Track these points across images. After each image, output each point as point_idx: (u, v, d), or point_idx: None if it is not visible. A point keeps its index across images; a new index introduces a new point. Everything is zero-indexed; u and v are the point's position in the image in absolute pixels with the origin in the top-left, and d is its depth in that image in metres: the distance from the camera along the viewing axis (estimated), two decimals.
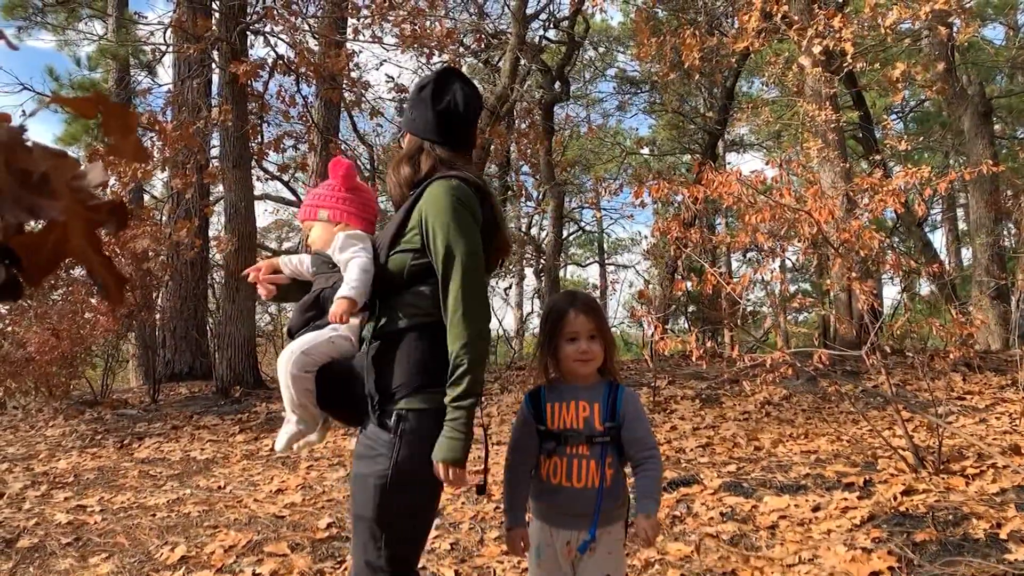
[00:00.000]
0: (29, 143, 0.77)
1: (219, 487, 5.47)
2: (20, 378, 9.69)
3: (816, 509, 4.04)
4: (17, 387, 9.94)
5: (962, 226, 20.98)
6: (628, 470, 2.21)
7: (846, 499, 4.10)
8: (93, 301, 9.71)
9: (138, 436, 7.53)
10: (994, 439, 5.18)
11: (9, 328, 10.20)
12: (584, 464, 2.09)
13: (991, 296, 10.67)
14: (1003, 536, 3.39)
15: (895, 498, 4.02)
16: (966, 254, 20.10)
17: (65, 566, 3.95)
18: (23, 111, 7.38)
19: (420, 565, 2.07)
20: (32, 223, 0.76)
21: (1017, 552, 3.21)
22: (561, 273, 20.65)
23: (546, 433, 2.14)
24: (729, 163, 21.31)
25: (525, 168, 19.66)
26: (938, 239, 22.95)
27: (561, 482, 2.10)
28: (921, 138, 15.79)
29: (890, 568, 3.19)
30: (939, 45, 10.65)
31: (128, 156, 0.83)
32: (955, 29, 9.63)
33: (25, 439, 7.70)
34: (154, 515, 4.78)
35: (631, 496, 2.20)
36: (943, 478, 4.31)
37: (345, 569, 3.60)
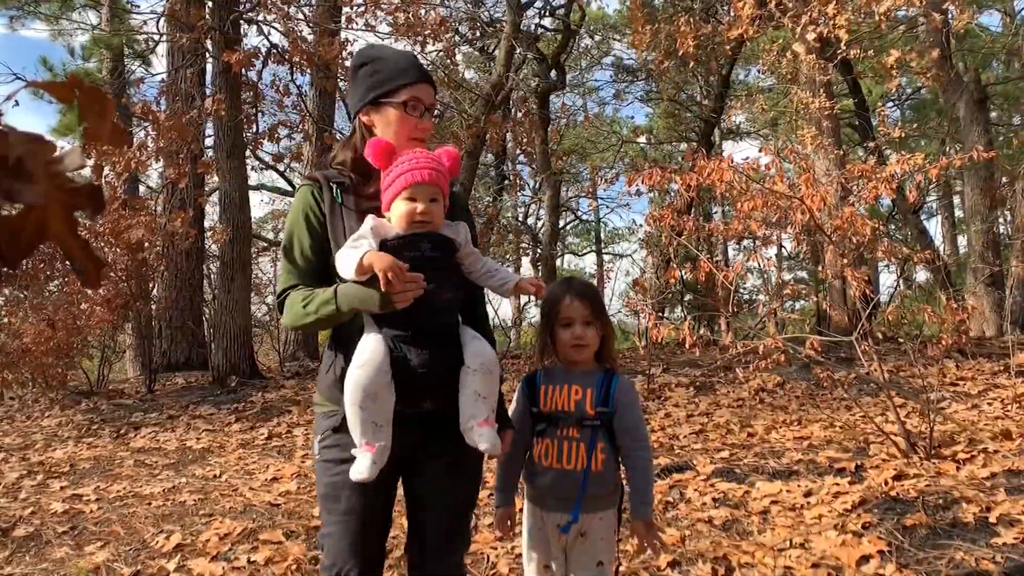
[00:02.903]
0: (3, 128, 0.78)
1: (215, 476, 5.49)
2: (16, 369, 9.70)
3: (808, 494, 4.06)
4: (13, 378, 9.94)
5: (958, 213, 21.02)
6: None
7: (838, 484, 4.13)
8: (89, 292, 9.72)
9: (134, 426, 7.55)
10: (985, 424, 5.21)
11: (5, 319, 10.21)
12: (574, 447, 2.11)
13: (986, 283, 10.70)
14: (992, 520, 3.42)
15: (886, 483, 4.05)
16: (962, 241, 20.14)
17: (61, 555, 3.97)
18: (16, 101, 7.34)
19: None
20: (9, 207, 0.77)
21: (1006, 535, 3.24)
22: (558, 263, 20.65)
23: (538, 415, 2.17)
24: (725, 151, 21.30)
25: (521, 158, 19.67)
26: (934, 226, 23.01)
27: (551, 464, 2.13)
28: (916, 126, 15.78)
29: (880, 552, 3.22)
30: (935, 32, 10.63)
31: (105, 140, 0.83)
32: (951, 16, 9.61)
33: (21, 429, 7.71)
34: (150, 504, 4.79)
35: (625, 485, 2.22)
36: (934, 463, 4.33)
37: None
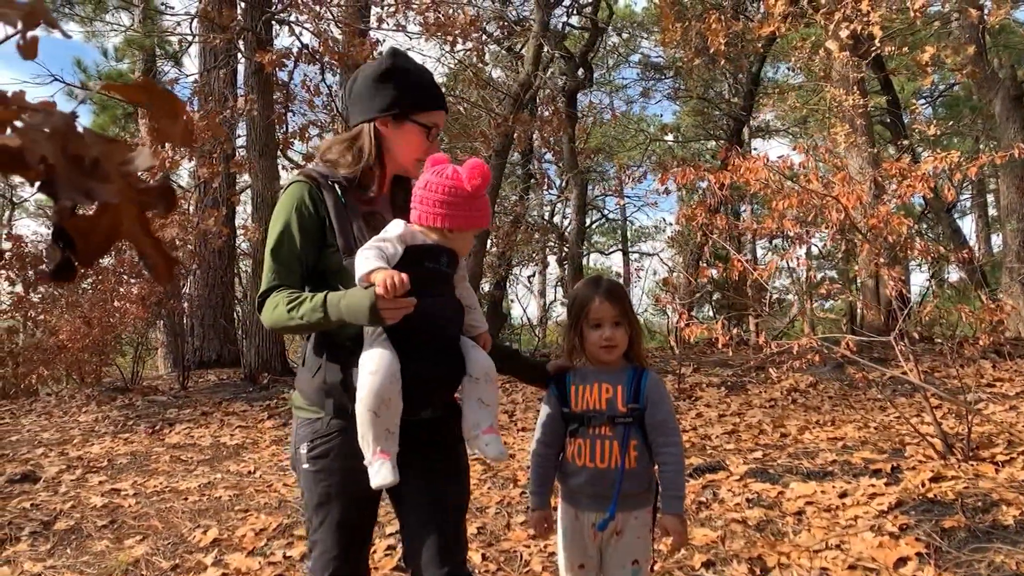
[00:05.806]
0: (80, 129, 0.80)
1: (249, 472, 5.55)
2: (52, 365, 9.89)
3: (843, 495, 4.03)
4: (50, 374, 10.14)
5: (992, 212, 20.68)
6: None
7: (873, 485, 4.08)
8: (122, 290, 9.87)
9: (169, 422, 7.65)
10: None
11: (41, 317, 10.40)
12: (607, 445, 2.11)
13: (1022, 283, 10.51)
14: None
15: (923, 485, 4.00)
16: (996, 240, 19.80)
17: (101, 548, 4.04)
18: (54, 102, 7.46)
19: None
20: (86, 207, 0.79)
21: None
22: (584, 261, 20.61)
23: (570, 415, 2.17)
24: (755, 149, 21.12)
25: (548, 156, 19.65)
26: (968, 225, 22.66)
27: (585, 463, 2.13)
28: (951, 123, 15.52)
29: (918, 554, 3.18)
30: (969, 28, 10.45)
31: (176, 140, 0.85)
32: (986, 11, 9.45)
33: (59, 425, 7.84)
34: (186, 499, 4.86)
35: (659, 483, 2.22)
36: (972, 465, 4.27)
37: (374, 551, 3.65)
